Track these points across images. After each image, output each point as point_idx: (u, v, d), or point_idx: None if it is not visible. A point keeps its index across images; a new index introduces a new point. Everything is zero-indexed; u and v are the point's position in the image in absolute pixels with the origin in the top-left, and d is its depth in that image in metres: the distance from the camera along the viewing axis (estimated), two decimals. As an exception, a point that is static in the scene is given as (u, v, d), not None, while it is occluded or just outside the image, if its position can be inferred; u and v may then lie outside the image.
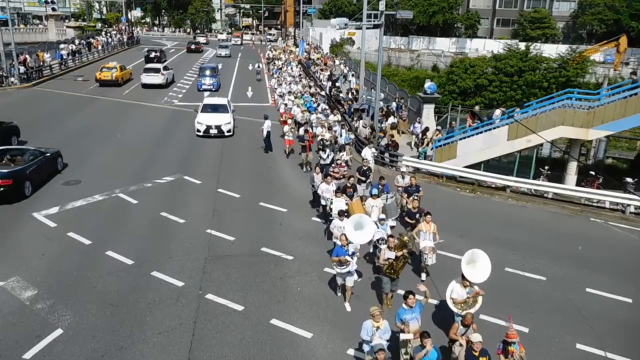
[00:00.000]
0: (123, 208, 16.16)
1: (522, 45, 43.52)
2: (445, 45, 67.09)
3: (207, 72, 37.38)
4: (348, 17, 33.96)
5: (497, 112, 22.91)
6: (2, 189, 15.69)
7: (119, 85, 37.47)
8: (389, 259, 10.87)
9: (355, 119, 25.46)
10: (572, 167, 22.85)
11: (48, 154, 18.31)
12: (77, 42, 53.80)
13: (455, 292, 10.03)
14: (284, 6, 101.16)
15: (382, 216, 13.09)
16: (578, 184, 22.25)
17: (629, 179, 20.78)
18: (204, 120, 24.69)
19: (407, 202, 14.82)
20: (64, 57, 45.48)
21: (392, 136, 22.55)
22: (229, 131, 24.80)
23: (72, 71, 44.22)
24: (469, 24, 72.73)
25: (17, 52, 37.32)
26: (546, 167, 23.61)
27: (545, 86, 38.54)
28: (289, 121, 23.06)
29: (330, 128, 21.53)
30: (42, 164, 17.72)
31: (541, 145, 24.27)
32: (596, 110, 20.83)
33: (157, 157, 21.63)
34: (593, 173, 23.90)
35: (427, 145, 22.50)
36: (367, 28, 24.79)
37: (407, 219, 13.86)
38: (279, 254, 13.46)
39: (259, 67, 43.61)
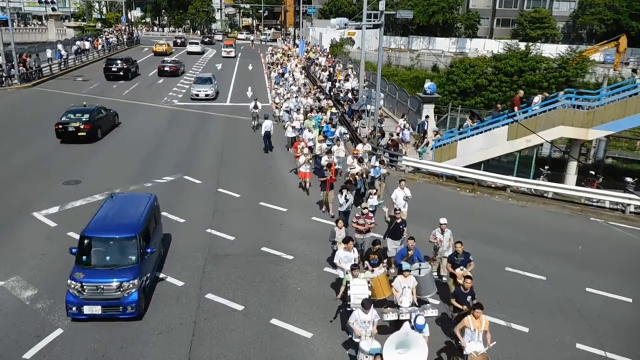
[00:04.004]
0: (123, 208, 16.12)
1: (522, 45, 43.51)
2: (445, 45, 67.12)
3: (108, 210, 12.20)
4: (348, 17, 33.94)
5: (536, 98, 22.39)
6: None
7: (167, 55, 54.10)
8: None
9: (355, 119, 25.49)
10: (572, 167, 22.84)
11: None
12: (89, 40, 56.19)
13: None
14: (284, 6, 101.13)
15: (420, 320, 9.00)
16: (578, 183, 22.24)
17: (629, 179, 20.78)
18: None
19: (446, 273, 11.48)
20: (64, 56, 45.49)
21: (392, 135, 22.53)
22: None
23: (72, 71, 44.22)
24: (469, 24, 72.77)
25: (16, 52, 37.36)
26: (546, 167, 23.60)
27: (545, 86, 38.48)
28: (305, 150, 18.37)
29: (361, 160, 17.20)
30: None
31: (541, 145, 24.25)
32: (596, 110, 20.83)
33: (157, 157, 21.62)
34: (593, 173, 23.90)
35: (427, 145, 22.53)
36: (367, 28, 24.79)
37: (454, 302, 9.94)
38: (279, 254, 13.46)
39: (256, 106, 26.39)
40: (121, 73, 39.98)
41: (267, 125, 22.59)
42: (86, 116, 23.61)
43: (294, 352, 9.86)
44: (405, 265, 10.32)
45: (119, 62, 40.77)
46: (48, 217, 15.17)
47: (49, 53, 45.80)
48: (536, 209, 18.25)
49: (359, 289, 9.69)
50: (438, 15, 69.45)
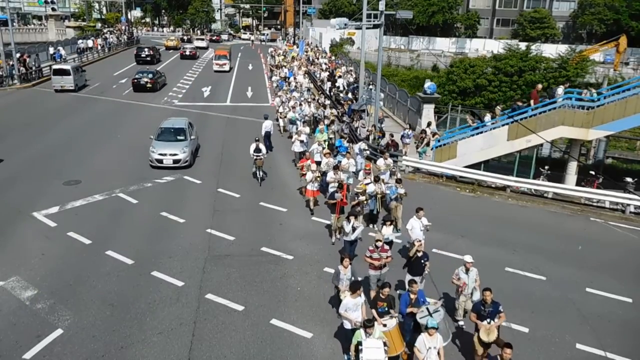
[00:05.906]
0: (123, 208, 16.15)
1: (522, 45, 43.52)
2: (445, 45, 67.16)
3: None
4: (348, 17, 33.97)
5: (560, 90, 22.12)
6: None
7: (177, 49, 61.72)
8: None
9: (355, 119, 25.46)
10: (572, 167, 22.85)
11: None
12: (91, 39, 57.68)
13: None
14: (284, 6, 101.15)
15: None
16: (578, 183, 22.25)
17: (629, 179, 20.79)
18: None
19: (478, 330, 9.23)
20: (64, 56, 45.56)
21: (392, 136, 22.53)
22: None
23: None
24: (469, 24, 72.80)
25: (16, 52, 37.40)
26: (546, 167, 23.62)
27: (545, 86, 38.54)
28: (313, 167, 16.27)
29: (377, 179, 15.25)
30: None
31: (541, 145, 24.27)
32: (596, 110, 20.83)
33: (157, 157, 21.58)
34: (593, 173, 23.91)
35: (428, 145, 22.53)
36: (367, 28, 24.78)
37: None
38: (279, 254, 13.45)
39: (258, 150, 18.62)
40: (148, 58, 49.83)
41: (267, 125, 22.58)
42: (150, 75, 36.48)
43: (294, 352, 9.85)
44: (431, 322, 8.39)
45: (146, 50, 51.07)
46: (48, 217, 15.16)
47: (56, 50, 47.13)
48: (536, 209, 18.25)
49: (373, 354, 7.96)
50: (438, 16, 69.48)
